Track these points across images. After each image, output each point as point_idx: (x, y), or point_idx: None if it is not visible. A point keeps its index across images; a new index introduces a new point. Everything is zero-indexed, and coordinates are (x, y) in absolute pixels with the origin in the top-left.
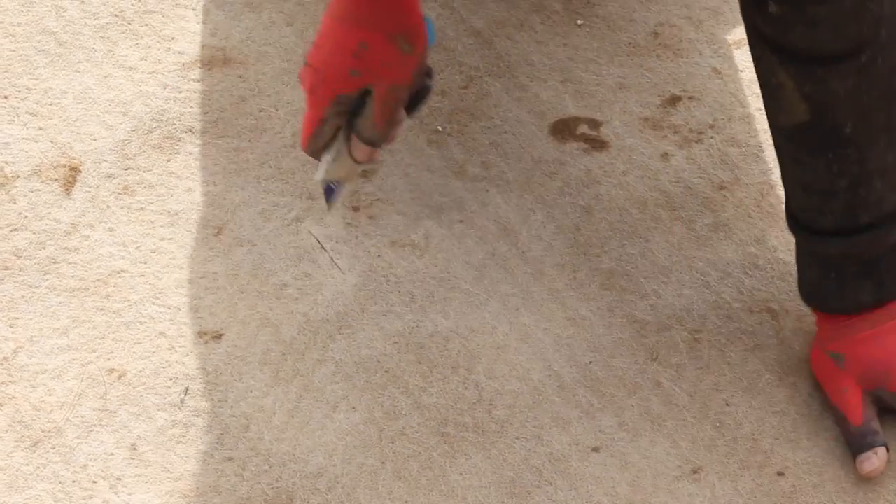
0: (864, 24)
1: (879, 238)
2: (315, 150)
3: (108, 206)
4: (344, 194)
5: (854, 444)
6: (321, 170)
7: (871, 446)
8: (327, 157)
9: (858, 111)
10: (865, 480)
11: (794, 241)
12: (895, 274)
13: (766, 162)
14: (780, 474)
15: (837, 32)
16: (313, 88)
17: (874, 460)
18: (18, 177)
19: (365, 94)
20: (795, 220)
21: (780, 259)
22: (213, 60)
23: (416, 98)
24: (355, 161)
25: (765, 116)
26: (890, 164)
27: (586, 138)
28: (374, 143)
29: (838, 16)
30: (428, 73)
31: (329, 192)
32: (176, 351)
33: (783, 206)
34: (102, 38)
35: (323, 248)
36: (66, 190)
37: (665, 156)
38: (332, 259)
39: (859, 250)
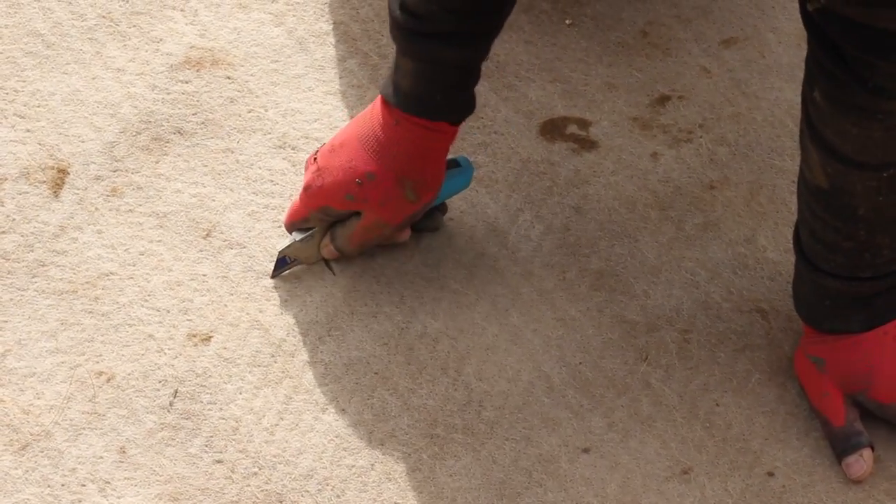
0: (891, 151)
1: (878, 284)
2: (291, 229)
3: (96, 209)
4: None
5: (838, 447)
6: (286, 244)
7: (855, 448)
8: (296, 237)
9: (873, 204)
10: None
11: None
12: (888, 306)
13: (756, 161)
14: (770, 474)
15: (864, 150)
16: (308, 188)
17: (861, 463)
18: (6, 179)
19: (353, 213)
20: (801, 249)
21: (769, 259)
22: (202, 61)
23: (420, 223)
24: (319, 252)
25: (753, 116)
26: None
27: (575, 138)
28: (341, 252)
29: (868, 140)
30: (442, 210)
31: (281, 263)
32: (165, 353)
33: (773, 206)
34: (90, 39)
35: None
36: (55, 192)
37: (654, 155)
38: (324, 260)
39: (857, 290)
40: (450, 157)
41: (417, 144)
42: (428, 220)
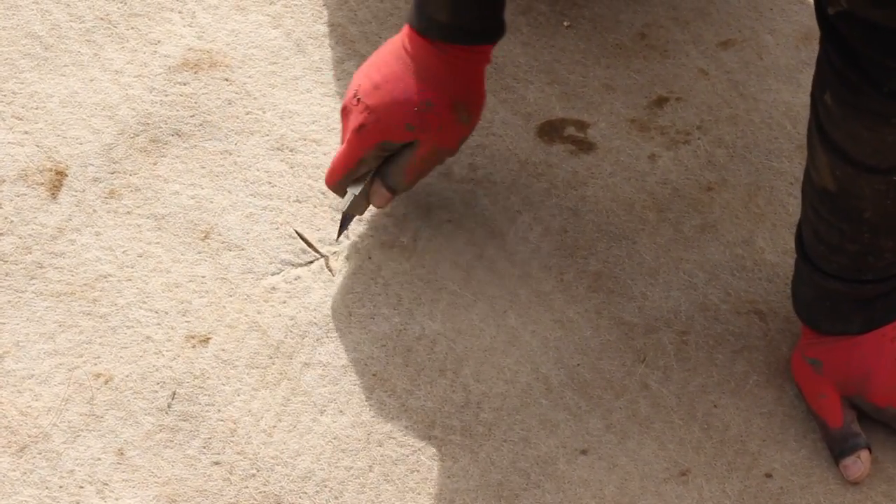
0: None
1: (880, 287)
2: (341, 186)
3: (94, 211)
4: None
5: (835, 448)
6: (346, 202)
7: (852, 449)
8: (354, 191)
9: (880, 207)
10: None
11: (796, 257)
12: (887, 308)
13: (754, 163)
14: (768, 476)
15: (875, 154)
16: (361, 127)
17: (859, 465)
18: (4, 181)
19: (406, 146)
20: (803, 249)
21: (767, 260)
22: (200, 63)
23: None
24: (368, 203)
25: (751, 118)
26: None
27: (573, 140)
28: (395, 191)
29: (881, 144)
30: None
31: (345, 222)
32: (163, 355)
33: (770, 208)
34: (88, 41)
35: (314, 250)
36: (53, 194)
37: (652, 157)
38: (325, 262)
39: (857, 292)
40: None
41: (464, 69)
42: None
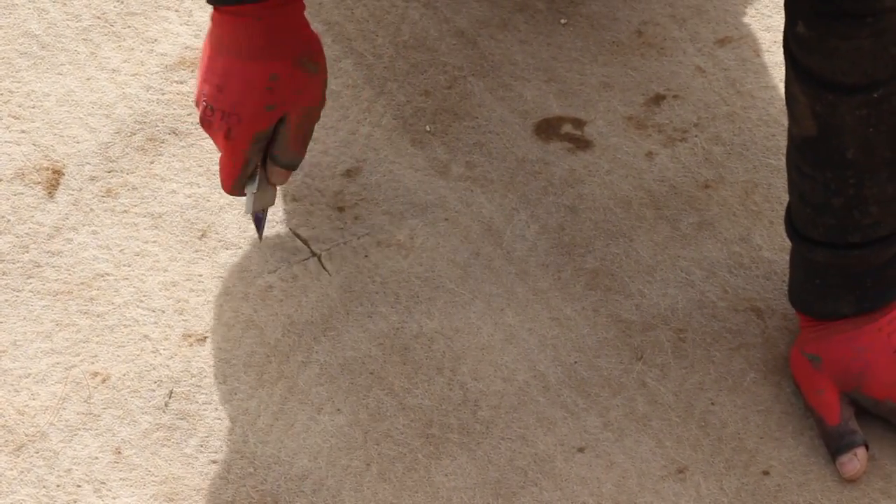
0: (881, 64)
1: (867, 257)
2: (238, 188)
3: (91, 209)
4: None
5: (832, 445)
6: (250, 203)
7: (849, 447)
8: (251, 190)
9: (863, 140)
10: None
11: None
12: (878, 288)
13: (751, 160)
14: (766, 473)
15: (854, 67)
16: (229, 132)
17: (855, 462)
18: (1, 180)
19: (278, 124)
20: (791, 223)
21: (764, 258)
22: (197, 62)
23: None
24: (274, 186)
25: (748, 115)
26: (889, 195)
27: (570, 138)
28: (292, 167)
29: (857, 53)
30: None
31: (259, 221)
32: (160, 354)
33: (768, 205)
34: (85, 40)
35: (309, 249)
36: (49, 193)
37: (649, 155)
38: (318, 260)
39: (845, 263)
40: None
41: (287, 24)
42: None
